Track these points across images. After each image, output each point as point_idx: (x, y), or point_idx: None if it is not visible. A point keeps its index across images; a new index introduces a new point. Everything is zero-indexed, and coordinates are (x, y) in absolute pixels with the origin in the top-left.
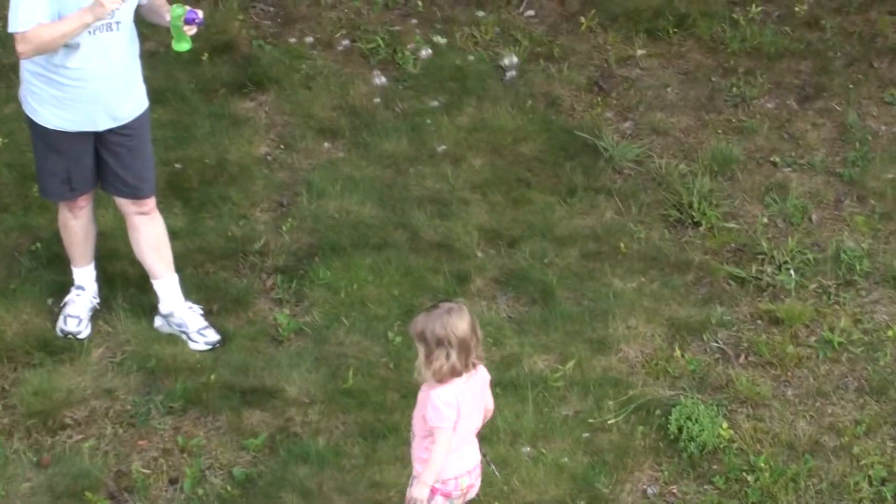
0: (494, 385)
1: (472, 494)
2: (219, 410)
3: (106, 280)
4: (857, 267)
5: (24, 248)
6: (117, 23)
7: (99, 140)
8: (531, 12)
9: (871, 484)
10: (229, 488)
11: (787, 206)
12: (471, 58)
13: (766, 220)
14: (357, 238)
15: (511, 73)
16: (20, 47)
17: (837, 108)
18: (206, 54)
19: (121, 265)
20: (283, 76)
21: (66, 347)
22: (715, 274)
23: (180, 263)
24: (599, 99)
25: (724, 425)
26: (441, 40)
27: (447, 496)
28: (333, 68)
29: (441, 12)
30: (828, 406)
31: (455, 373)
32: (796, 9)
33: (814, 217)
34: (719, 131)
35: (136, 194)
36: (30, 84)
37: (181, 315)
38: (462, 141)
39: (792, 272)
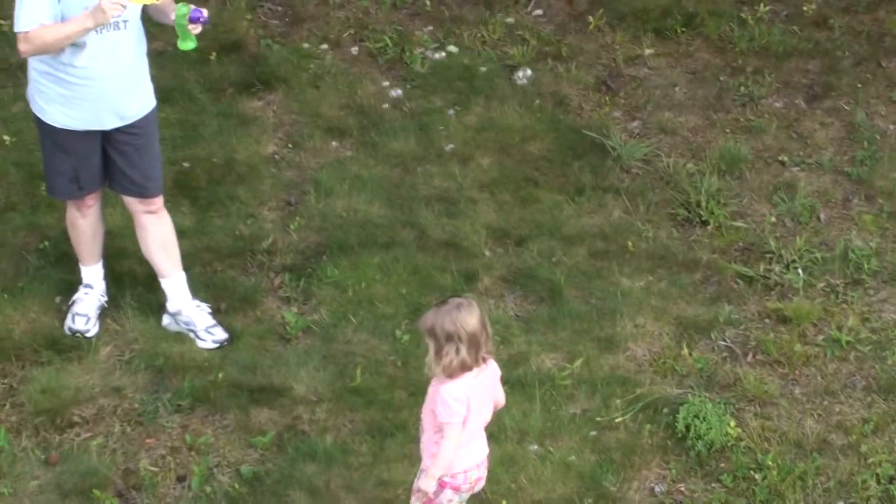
0: (502, 383)
1: (479, 487)
2: (227, 408)
3: (114, 278)
4: (865, 266)
5: (33, 246)
6: (125, 21)
7: (106, 139)
8: (539, 11)
9: (878, 482)
10: (237, 486)
11: (795, 205)
12: (479, 58)
13: (774, 219)
14: (365, 237)
15: (524, 83)
16: (22, 46)
17: (846, 107)
18: (214, 53)
19: (129, 264)
20: (290, 75)
21: (74, 346)
22: (723, 273)
23: (188, 262)
24: (607, 98)
25: (732, 423)
26: (453, 49)
27: (457, 490)
28: (341, 67)
29: (449, 12)
30: (836, 404)
31: (465, 368)
32: (804, 8)
33: (822, 216)
34: (727, 130)
35: (144, 193)
36: (37, 83)
37: (189, 313)
38: (470, 140)
39: (800, 271)
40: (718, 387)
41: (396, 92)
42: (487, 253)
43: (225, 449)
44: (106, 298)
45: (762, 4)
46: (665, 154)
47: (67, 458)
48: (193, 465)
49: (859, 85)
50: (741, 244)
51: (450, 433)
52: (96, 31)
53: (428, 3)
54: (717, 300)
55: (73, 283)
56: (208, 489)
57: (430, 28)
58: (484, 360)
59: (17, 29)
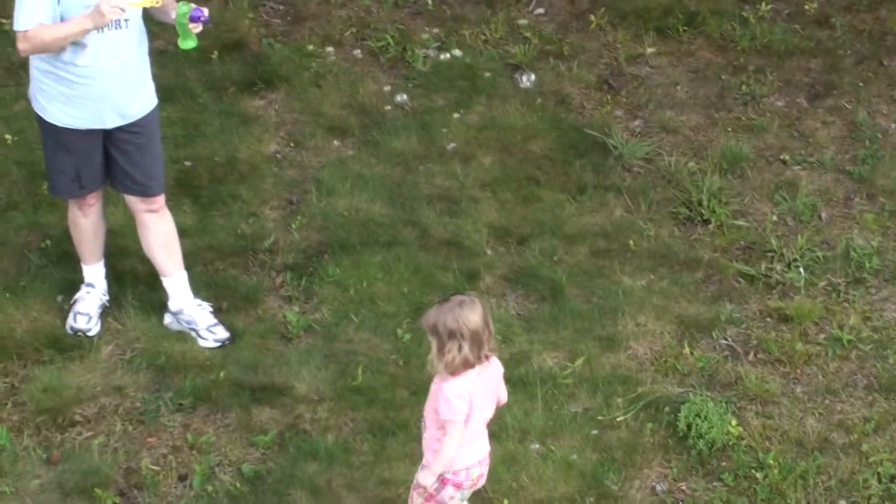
0: (504, 383)
1: (481, 483)
2: (228, 407)
3: (115, 277)
4: (867, 264)
5: (34, 245)
6: (126, 20)
7: (108, 138)
8: (541, 10)
9: (880, 481)
10: (238, 485)
11: (797, 204)
12: (481, 57)
13: (775, 217)
14: (366, 236)
15: (527, 86)
16: (21, 45)
17: (847, 106)
18: (215, 52)
19: (130, 263)
20: (292, 74)
21: (76, 345)
22: (724, 271)
23: (190, 261)
24: (609, 97)
25: (734, 422)
26: (457, 53)
27: (458, 487)
28: (343, 66)
29: (451, 11)
30: (837, 403)
31: (468, 365)
32: (806, 7)
33: (823, 215)
34: (729, 129)
35: (145, 192)
36: (39, 82)
37: (190, 312)
38: (472, 139)
39: (801, 270)
40: (720, 385)
41: (402, 97)
42: (489, 252)
43: (226, 448)
44: (107, 297)
45: (764, 3)
46: (667, 153)
47: (69, 457)
48: (195, 464)
49: (861, 84)
50: (743, 243)
51: (452, 431)
52: (97, 29)
53: (430, 2)
54: (719, 299)
55: (74, 282)
56: (210, 488)
57: (432, 27)
58: (487, 357)
59: (16, 28)
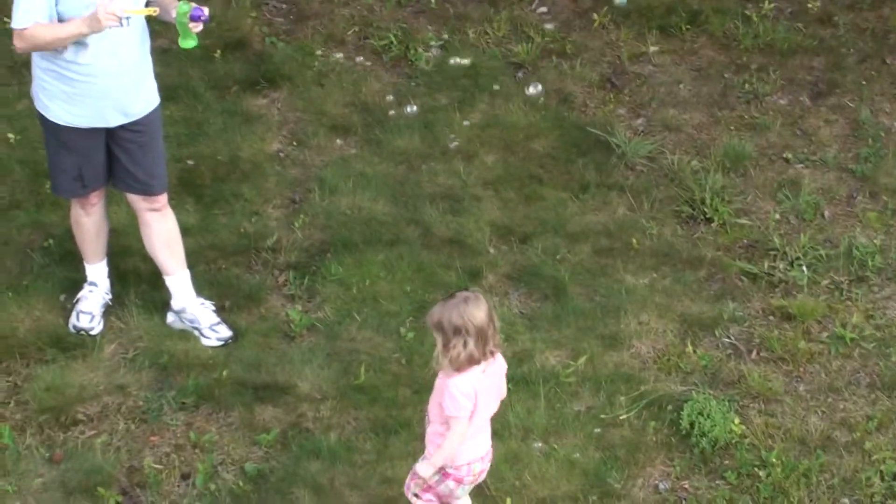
0: (507, 381)
1: (482, 479)
2: (231, 406)
3: (118, 276)
4: (870, 263)
5: (37, 244)
6: (127, 18)
7: (110, 136)
8: (544, 9)
9: (882, 479)
10: (241, 484)
11: (800, 203)
12: (484, 55)
13: (778, 216)
14: (369, 234)
15: (533, 94)
16: (17, 43)
17: (850, 104)
18: (218, 51)
19: (133, 262)
20: (295, 73)
21: (79, 343)
22: (727, 270)
23: (192, 260)
24: (612, 95)
25: (736, 421)
26: (463, 61)
27: (459, 482)
28: (346, 65)
29: (454, 9)
30: (840, 402)
31: (473, 361)
32: (809, 5)
33: (826, 213)
34: (732, 128)
35: (148, 191)
36: (41, 80)
37: (193, 311)
38: (474, 138)
39: (804, 268)
40: (722, 384)
41: (412, 108)
42: (492, 250)
43: (229, 446)
44: (110, 296)
45: (767, 1)
46: (669, 151)
47: (72, 456)
48: (198, 463)
49: (864, 82)
50: (745, 241)
51: (456, 427)
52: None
53: (432, 0)
54: (722, 297)
55: (77, 281)
56: (212, 487)
57: (435, 26)
58: (492, 353)
59: (13, 25)
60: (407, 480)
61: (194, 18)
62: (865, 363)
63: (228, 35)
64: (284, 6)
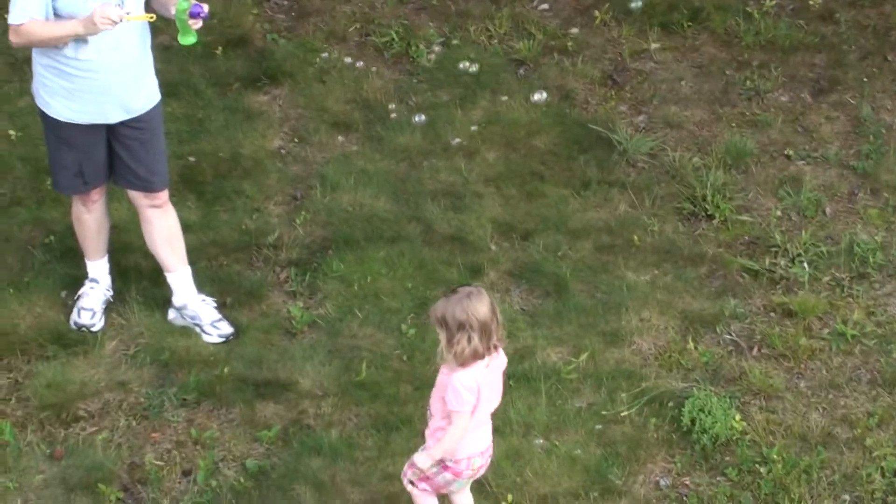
0: (508, 377)
1: (481, 473)
2: (232, 403)
3: (119, 273)
4: (871, 259)
5: (38, 241)
6: (128, 13)
7: (111, 133)
8: (545, 6)
9: (883, 475)
10: (242, 480)
11: (801, 199)
12: (485, 52)
13: (779, 212)
14: (371, 231)
15: (537, 100)
16: (12, 38)
17: (851, 101)
18: (220, 48)
19: (134, 258)
20: (297, 70)
21: (80, 340)
22: (728, 266)
23: (194, 256)
24: (613, 92)
25: (737, 417)
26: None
27: (458, 475)
28: (347, 62)
29: (455, 6)
30: (840, 398)
31: (477, 356)
32: (810, 2)
33: (827, 210)
34: (733, 124)
35: (149, 187)
36: (41, 76)
37: (194, 308)
38: (476, 134)
39: (805, 265)
40: (724, 380)
41: (420, 118)
42: (493, 247)
43: (230, 443)
44: (111, 293)
45: None
46: (671, 148)
47: (73, 453)
48: (199, 460)
49: (865, 79)
50: (747, 238)
51: (458, 421)
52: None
53: None
54: (723, 294)
55: (78, 278)
56: (214, 483)
57: (436, 23)
58: (496, 347)
59: (9, 20)
60: (405, 468)
61: (193, 15)
62: (866, 360)
63: (230, 32)
64: (286, 3)
